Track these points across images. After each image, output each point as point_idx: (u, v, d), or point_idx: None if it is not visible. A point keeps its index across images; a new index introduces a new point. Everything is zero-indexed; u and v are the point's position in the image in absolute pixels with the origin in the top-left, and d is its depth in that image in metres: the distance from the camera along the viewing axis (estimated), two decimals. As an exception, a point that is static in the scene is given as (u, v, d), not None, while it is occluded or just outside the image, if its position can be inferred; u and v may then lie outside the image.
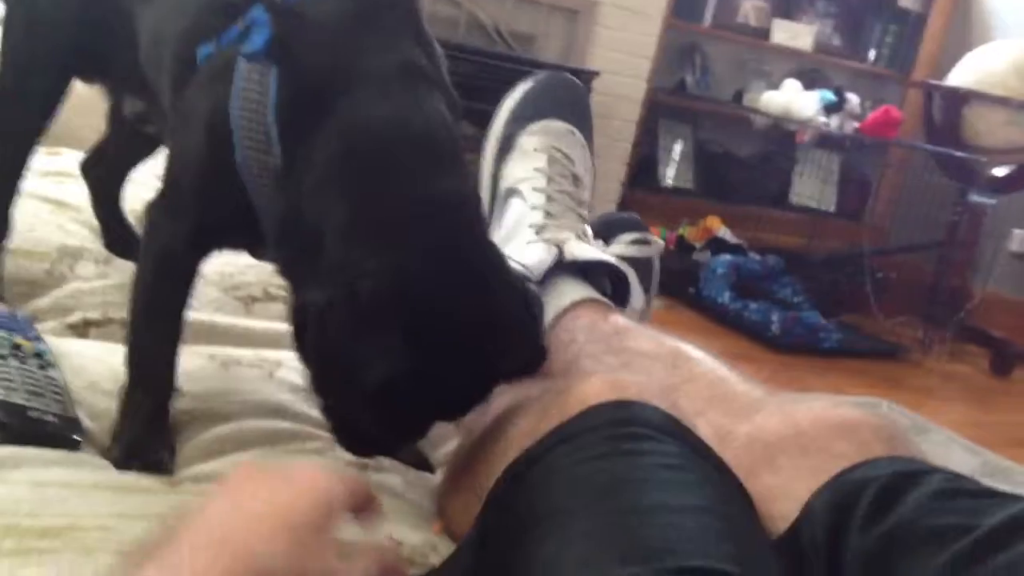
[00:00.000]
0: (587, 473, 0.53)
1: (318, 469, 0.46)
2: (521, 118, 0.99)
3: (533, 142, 0.96)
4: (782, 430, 0.63)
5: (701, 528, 0.50)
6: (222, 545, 0.39)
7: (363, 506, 0.47)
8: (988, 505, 0.52)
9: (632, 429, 0.55)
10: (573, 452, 0.55)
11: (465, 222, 0.61)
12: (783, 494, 0.58)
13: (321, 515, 0.43)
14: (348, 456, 0.67)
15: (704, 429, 0.63)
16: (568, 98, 1.01)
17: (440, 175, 0.61)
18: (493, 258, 0.62)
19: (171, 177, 0.72)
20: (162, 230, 0.72)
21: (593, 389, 0.59)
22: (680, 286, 3.19)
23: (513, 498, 0.56)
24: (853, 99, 3.48)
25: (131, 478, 0.61)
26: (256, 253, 0.75)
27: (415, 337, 0.55)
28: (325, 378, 0.59)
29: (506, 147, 0.98)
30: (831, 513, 0.55)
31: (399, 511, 0.63)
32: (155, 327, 0.71)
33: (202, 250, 0.73)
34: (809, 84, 3.62)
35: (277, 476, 0.44)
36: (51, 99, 0.93)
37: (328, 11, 0.66)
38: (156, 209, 0.72)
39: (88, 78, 0.95)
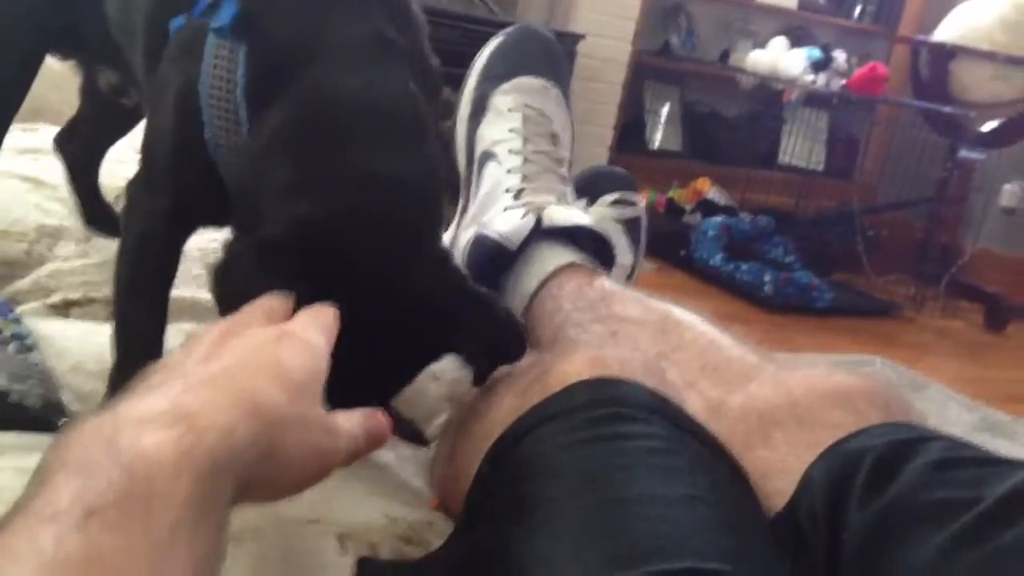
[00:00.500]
0: (572, 459, 0.51)
1: (308, 332, 0.45)
2: (493, 77, 0.95)
3: (507, 101, 0.93)
4: (776, 400, 0.61)
5: (692, 521, 0.48)
6: (229, 383, 0.39)
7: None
8: (989, 475, 0.50)
9: (616, 410, 0.53)
10: (557, 434, 0.53)
11: (397, 201, 0.59)
12: (779, 468, 0.56)
13: (317, 373, 0.43)
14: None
15: (695, 402, 0.61)
16: (540, 51, 0.97)
17: (390, 152, 0.59)
18: (421, 243, 0.60)
19: (147, 154, 0.71)
20: (141, 208, 0.70)
21: (574, 367, 0.57)
22: (671, 249, 3.17)
23: (497, 482, 0.54)
24: (840, 56, 3.45)
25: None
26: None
27: (307, 287, 0.53)
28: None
29: (479, 108, 0.95)
30: (828, 487, 0.53)
31: (393, 487, 0.61)
32: (140, 305, 0.69)
33: (183, 227, 0.72)
34: (796, 42, 3.59)
35: (269, 332, 0.44)
36: (22, 76, 0.90)
37: None
38: (135, 186, 0.71)
39: (61, 52, 0.93)
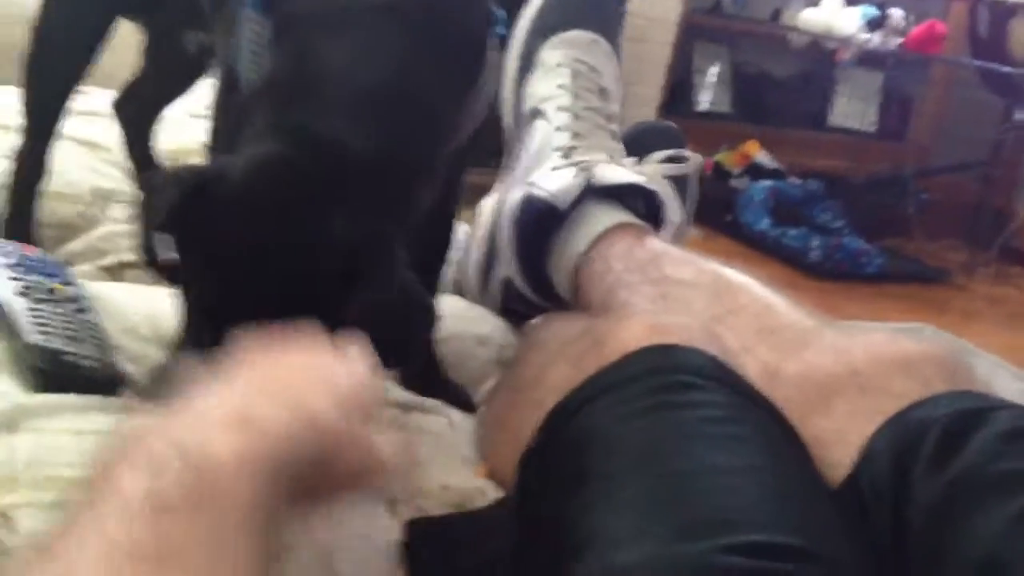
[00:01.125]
0: (632, 431, 0.51)
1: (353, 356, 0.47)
2: (541, 31, 0.93)
3: (556, 56, 0.91)
4: (836, 369, 0.59)
5: (759, 492, 0.47)
6: (287, 395, 0.40)
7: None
8: None
9: (677, 377, 0.53)
10: (614, 405, 0.52)
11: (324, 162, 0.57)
12: (838, 439, 0.55)
13: (366, 396, 0.45)
14: (393, 395, 0.66)
15: (752, 367, 0.60)
16: (589, 3, 0.95)
17: (344, 121, 0.58)
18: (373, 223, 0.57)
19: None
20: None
21: (633, 333, 0.56)
22: (717, 213, 3.13)
23: (553, 454, 0.53)
24: (896, 14, 3.36)
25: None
26: None
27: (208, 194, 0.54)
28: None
29: (527, 64, 0.93)
30: (893, 458, 0.52)
31: (444, 455, 0.62)
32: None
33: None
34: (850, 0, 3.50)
35: (320, 352, 0.46)
36: (95, 39, 0.91)
37: None
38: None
39: (135, 16, 0.93)
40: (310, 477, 0.40)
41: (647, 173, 0.95)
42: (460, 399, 0.77)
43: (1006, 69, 3.17)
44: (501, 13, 0.72)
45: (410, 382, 0.74)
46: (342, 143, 0.57)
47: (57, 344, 0.65)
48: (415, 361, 0.63)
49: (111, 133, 1.11)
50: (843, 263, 2.91)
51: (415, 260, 0.78)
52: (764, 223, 3.04)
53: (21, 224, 0.92)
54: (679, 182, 0.99)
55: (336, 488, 0.43)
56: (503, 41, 0.75)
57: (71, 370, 0.64)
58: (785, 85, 3.78)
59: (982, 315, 2.98)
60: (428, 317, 0.62)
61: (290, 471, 0.38)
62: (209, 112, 0.71)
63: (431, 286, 0.78)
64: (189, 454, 0.35)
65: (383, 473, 0.45)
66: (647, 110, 3.36)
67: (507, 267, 0.88)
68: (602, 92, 0.92)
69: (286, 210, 0.54)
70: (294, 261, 0.54)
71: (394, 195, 0.59)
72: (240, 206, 0.54)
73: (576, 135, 0.87)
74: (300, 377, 0.43)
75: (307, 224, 0.54)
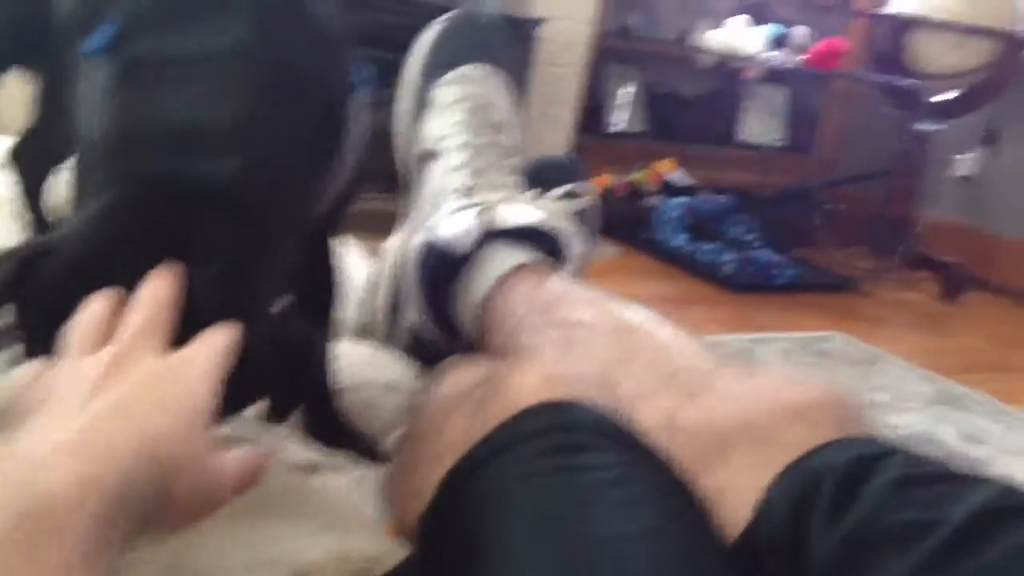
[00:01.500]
0: (528, 496, 0.51)
1: (200, 361, 0.46)
2: (432, 69, 0.93)
3: (449, 93, 0.91)
4: (730, 419, 0.60)
5: (653, 558, 0.47)
6: (128, 421, 0.41)
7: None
8: (948, 494, 0.50)
9: (572, 438, 0.53)
10: (512, 466, 0.52)
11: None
12: (735, 491, 0.56)
13: (208, 406, 0.45)
14: (294, 457, 0.66)
15: (649, 415, 0.60)
16: (478, 36, 0.96)
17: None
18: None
19: None
20: None
21: (528, 383, 0.57)
22: (634, 231, 3.19)
23: (451, 517, 0.53)
24: (799, 31, 3.47)
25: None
26: None
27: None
28: None
29: (421, 103, 0.93)
30: (788, 511, 0.53)
31: (346, 518, 0.61)
32: None
33: None
34: (756, 19, 3.60)
35: (162, 364, 0.45)
36: None
37: (176, 1, 0.62)
38: None
39: (26, 66, 0.91)
40: (154, 510, 0.40)
41: (548, 209, 0.97)
42: (368, 450, 0.77)
43: (904, 82, 3.29)
44: (368, 72, 0.71)
45: (315, 435, 0.74)
46: (185, 177, 0.54)
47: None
48: (301, 401, 0.60)
49: (6, 185, 1.09)
50: (755, 275, 2.99)
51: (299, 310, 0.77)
52: (680, 239, 3.10)
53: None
54: (584, 212, 1.01)
55: (184, 517, 0.43)
56: (388, 92, 0.73)
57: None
58: (695, 104, 3.87)
59: (890, 320, 3.08)
60: (311, 353, 0.59)
61: (131, 507, 0.38)
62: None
63: (320, 335, 0.78)
64: (25, 486, 0.35)
65: (229, 495, 0.45)
66: (563, 132, 3.41)
67: (413, 311, 0.89)
68: (497, 126, 0.91)
69: (122, 261, 0.51)
70: None
71: (245, 234, 0.55)
72: (74, 269, 0.51)
73: (476, 172, 0.88)
74: (140, 397, 0.42)
75: (144, 271, 0.51)
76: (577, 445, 0.52)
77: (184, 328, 0.49)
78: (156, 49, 0.59)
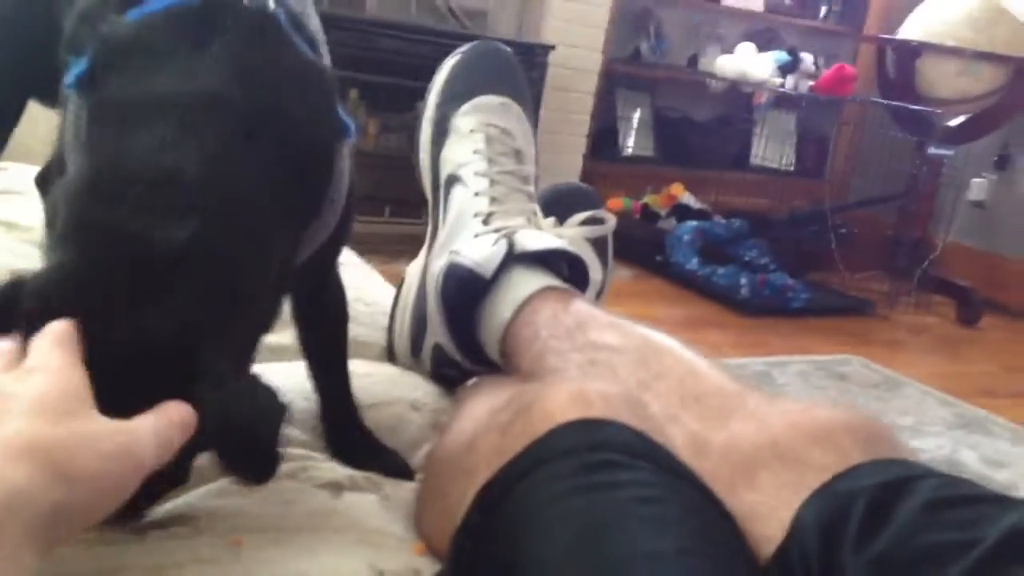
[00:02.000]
0: (562, 513, 0.50)
1: (47, 357, 0.45)
2: (451, 98, 0.94)
3: (468, 122, 0.92)
4: (758, 440, 0.59)
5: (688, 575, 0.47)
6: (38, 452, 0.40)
7: None
8: (984, 515, 0.49)
9: (605, 456, 0.52)
10: (546, 484, 0.52)
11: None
12: (766, 513, 0.55)
13: (76, 389, 0.44)
14: (321, 476, 0.65)
15: (678, 438, 0.60)
16: (497, 68, 0.96)
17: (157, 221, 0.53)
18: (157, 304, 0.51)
19: None
20: None
21: (558, 404, 0.56)
22: (647, 254, 3.19)
23: (485, 535, 0.53)
24: (807, 58, 3.49)
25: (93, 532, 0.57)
26: None
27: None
28: None
29: (441, 131, 0.94)
30: (820, 533, 0.52)
31: (376, 534, 0.60)
32: None
33: None
34: (763, 45, 3.62)
35: (8, 377, 0.44)
36: (7, 120, 0.90)
37: (147, 33, 0.59)
38: None
39: (45, 100, 0.92)
40: (66, 499, 0.39)
41: (567, 235, 0.96)
42: (396, 467, 0.76)
43: (913, 107, 3.30)
44: (352, 122, 0.68)
45: (340, 453, 0.74)
46: (144, 238, 0.52)
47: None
48: (270, 467, 0.52)
49: (31, 211, 1.09)
50: (770, 299, 2.98)
51: (311, 351, 0.76)
52: (693, 262, 3.10)
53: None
54: (598, 241, 1.01)
55: (112, 488, 0.42)
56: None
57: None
58: (706, 128, 3.89)
59: (906, 344, 3.06)
60: (274, 411, 0.54)
61: (21, 516, 0.37)
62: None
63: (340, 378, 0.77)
64: None
65: (154, 447, 0.44)
66: (574, 157, 3.42)
67: (437, 334, 0.88)
68: (517, 154, 0.93)
69: (85, 320, 0.49)
70: (107, 373, 0.48)
71: (215, 290, 0.53)
72: (33, 324, 0.48)
73: (494, 200, 0.88)
74: (60, 436, 0.41)
75: (108, 331, 0.49)
76: (610, 463, 0.52)
77: (137, 390, 0.47)
78: (125, 89, 0.57)
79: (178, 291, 0.51)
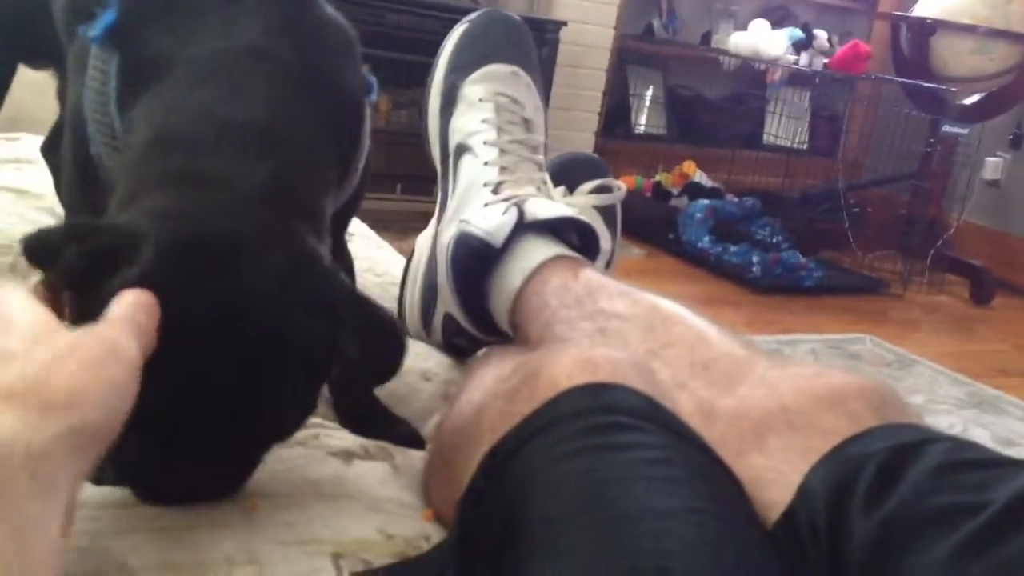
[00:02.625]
0: (567, 472, 0.50)
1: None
2: (460, 66, 0.93)
3: (477, 91, 0.91)
4: (767, 404, 0.58)
5: (697, 535, 0.47)
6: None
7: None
8: (994, 478, 0.48)
9: (612, 418, 0.52)
10: (551, 446, 0.51)
11: (243, 208, 0.52)
12: (774, 478, 0.54)
13: (39, 310, 0.42)
14: (333, 444, 0.65)
15: (686, 403, 0.60)
16: (506, 36, 0.95)
17: (227, 174, 0.53)
18: (260, 260, 0.50)
19: (63, 175, 0.68)
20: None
21: (563, 368, 0.55)
22: (659, 233, 3.18)
23: (492, 498, 0.52)
24: (821, 35, 3.46)
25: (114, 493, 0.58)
26: None
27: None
28: None
29: (450, 100, 0.93)
30: (828, 496, 0.51)
31: (388, 502, 0.60)
32: None
33: None
34: (777, 23, 3.59)
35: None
36: None
37: None
38: (63, 205, 0.69)
39: (34, 63, 0.92)
40: (94, 424, 0.39)
41: (577, 204, 0.96)
42: (407, 436, 0.76)
43: (928, 85, 3.27)
44: (373, 79, 0.69)
45: (350, 423, 0.73)
46: (229, 181, 0.52)
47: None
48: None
49: (41, 179, 1.09)
50: (783, 277, 2.97)
51: None
52: (705, 241, 3.09)
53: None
54: (607, 210, 1.00)
55: (119, 393, 0.41)
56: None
57: None
58: (718, 106, 3.86)
59: (920, 323, 3.05)
60: (396, 328, 0.57)
61: (57, 454, 0.37)
62: (67, 165, 0.65)
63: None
64: None
65: (135, 340, 0.43)
66: (586, 134, 3.40)
67: (447, 303, 0.88)
68: (526, 123, 0.92)
69: (220, 291, 0.48)
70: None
71: (303, 231, 0.54)
72: (171, 294, 0.46)
73: (504, 169, 0.87)
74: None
75: (225, 276, 0.49)
76: (616, 425, 0.51)
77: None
78: (166, 44, 0.58)
79: (285, 238, 0.52)
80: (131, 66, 0.59)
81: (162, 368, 0.44)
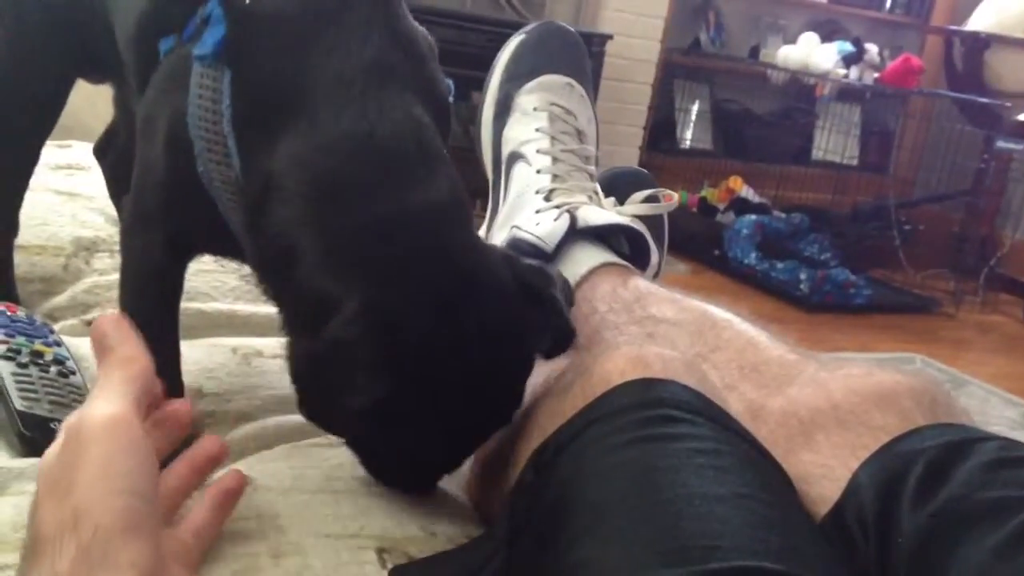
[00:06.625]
0: (618, 462, 0.50)
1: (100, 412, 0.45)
2: (515, 76, 0.94)
3: (532, 100, 0.92)
4: (816, 403, 0.59)
5: (745, 519, 0.47)
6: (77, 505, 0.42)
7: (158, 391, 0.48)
8: None
9: (662, 411, 0.52)
10: (601, 438, 0.52)
11: (439, 232, 0.57)
12: (823, 474, 0.55)
13: (136, 444, 0.44)
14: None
15: (736, 405, 0.59)
16: (562, 48, 0.96)
17: (408, 187, 0.57)
18: (475, 263, 0.58)
19: (138, 186, 0.68)
20: (135, 238, 0.68)
21: (616, 366, 0.56)
22: (705, 249, 3.14)
23: (542, 489, 0.53)
24: (872, 49, 3.41)
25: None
26: (241, 259, 0.71)
27: (397, 362, 0.53)
28: (328, 426, 0.59)
29: (504, 109, 0.94)
30: (878, 492, 0.52)
31: (432, 498, 0.61)
32: (148, 336, 0.68)
33: (182, 257, 0.69)
34: (826, 36, 3.55)
35: (72, 443, 0.45)
36: (53, 100, 0.90)
37: (288, 8, 0.61)
38: (130, 215, 0.69)
39: (91, 77, 0.93)
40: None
41: (627, 213, 0.96)
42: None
43: (983, 100, 3.21)
44: (451, 82, 0.71)
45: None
46: (448, 205, 0.58)
47: (42, 410, 0.63)
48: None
49: (92, 184, 1.10)
50: (831, 295, 2.92)
51: None
52: (752, 257, 3.05)
53: (2, 283, 0.91)
54: (653, 222, 1.00)
55: None
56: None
57: (55, 437, 0.62)
58: (766, 121, 3.82)
59: (972, 343, 2.98)
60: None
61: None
62: (155, 179, 0.66)
63: None
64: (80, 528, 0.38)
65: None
66: (631, 149, 3.39)
67: (497, 309, 0.88)
68: (578, 134, 0.93)
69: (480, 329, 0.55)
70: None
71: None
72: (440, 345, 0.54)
73: (556, 177, 0.88)
74: (83, 479, 0.43)
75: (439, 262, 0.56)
76: (667, 418, 0.52)
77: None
78: (286, 63, 0.59)
79: (472, 256, 0.58)
80: (249, 86, 0.59)
81: (441, 390, 0.54)
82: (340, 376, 0.53)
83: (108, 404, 0.45)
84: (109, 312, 0.89)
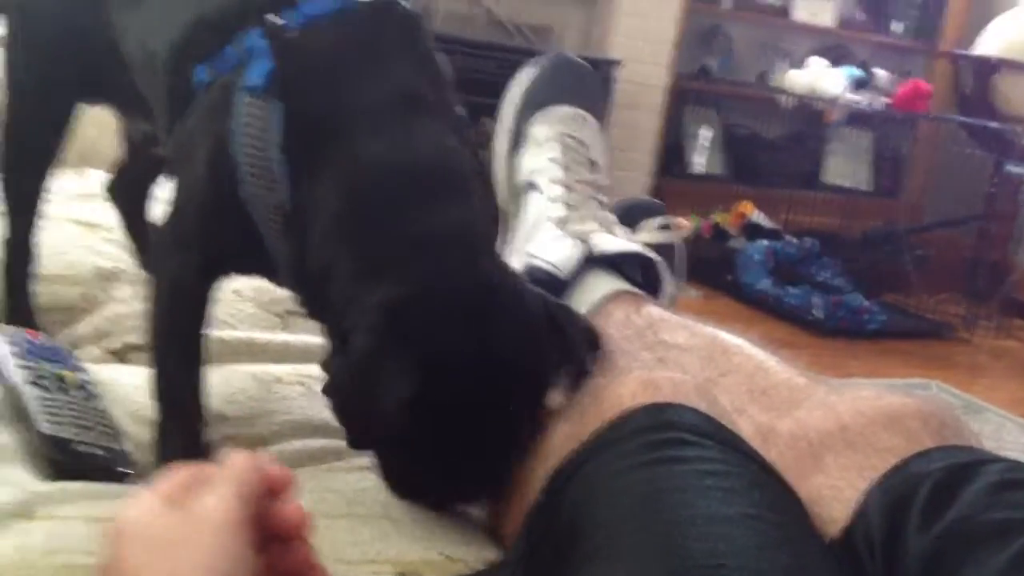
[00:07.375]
0: (628, 484, 0.52)
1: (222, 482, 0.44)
2: (529, 107, 0.96)
3: (544, 131, 0.93)
4: (825, 426, 0.60)
5: (751, 539, 0.47)
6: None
7: (276, 485, 0.46)
8: None
9: (672, 434, 0.54)
10: (613, 461, 0.53)
11: (467, 251, 0.61)
12: (832, 495, 0.56)
13: (241, 513, 0.43)
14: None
15: (746, 428, 0.60)
16: (574, 80, 0.98)
17: (440, 209, 0.60)
18: (500, 282, 0.62)
19: (176, 207, 0.71)
20: (170, 260, 0.71)
21: (628, 390, 0.57)
22: (717, 274, 3.14)
23: (556, 511, 0.54)
24: (881, 74, 3.42)
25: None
26: (271, 279, 0.74)
27: (425, 368, 0.56)
28: (356, 431, 0.60)
29: (517, 139, 0.96)
30: (886, 514, 0.53)
31: (450, 524, 0.62)
32: (175, 357, 0.70)
33: (212, 278, 0.72)
34: (834, 61, 3.56)
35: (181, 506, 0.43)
36: (59, 126, 0.92)
37: (328, 41, 0.65)
38: (163, 238, 0.72)
39: (93, 102, 0.94)
40: None
41: (640, 241, 0.97)
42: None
43: (992, 124, 3.21)
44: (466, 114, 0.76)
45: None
46: (473, 226, 0.61)
47: (67, 434, 0.64)
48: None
49: (109, 214, 1.11)
50: (845, 320, 2.91)
51: None
52: (764, 282, 3.04)
53: (21, 309, 0.91)
54: (667, 249, 1.00)
55: None
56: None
57: (81, 460, 0.63)
58: (776, 145, 3.82)
59: (987, 369, 2.97)
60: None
61: None
62: (196, 201, 0.68)
63: None
64: None
65: None
66: (641, 174, 3.39)
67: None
68: (591, 164, 0.95)
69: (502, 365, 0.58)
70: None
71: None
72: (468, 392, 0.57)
73: (569, 206, 0.89)
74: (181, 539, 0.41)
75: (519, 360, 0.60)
76: (676, 440, 0.53)
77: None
78: (331, 97, 0.63)
79: (497, 275, 0.62)
80: (297, 117, 0.63)
81: (462, 398, 0.57)
82: (366, 379, 0.55)
83: (219, 501, 0.43)
84: (131, 339, 0.89)
